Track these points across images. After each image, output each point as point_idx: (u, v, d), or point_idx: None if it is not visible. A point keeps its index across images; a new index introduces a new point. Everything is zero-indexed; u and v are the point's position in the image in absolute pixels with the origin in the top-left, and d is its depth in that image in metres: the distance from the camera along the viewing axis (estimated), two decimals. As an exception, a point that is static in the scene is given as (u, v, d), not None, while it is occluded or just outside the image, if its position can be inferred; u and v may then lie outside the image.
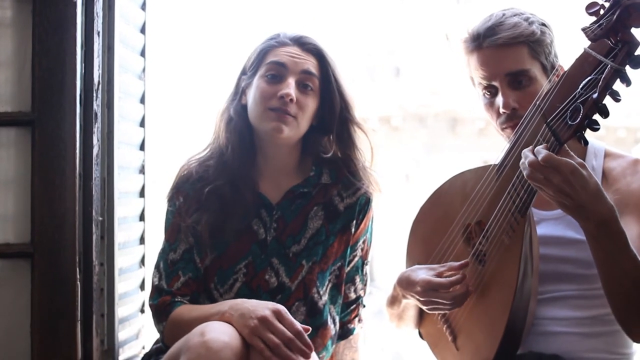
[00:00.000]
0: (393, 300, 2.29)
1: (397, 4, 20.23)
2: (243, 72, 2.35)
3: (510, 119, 2.12)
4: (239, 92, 2.35)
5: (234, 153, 2.31)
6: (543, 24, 2.17)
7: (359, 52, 20.12)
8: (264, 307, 2.06)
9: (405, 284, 2.17)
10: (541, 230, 2.11)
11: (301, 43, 2.31)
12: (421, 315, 2.30)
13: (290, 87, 2.24)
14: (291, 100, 2.23)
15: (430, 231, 2.22)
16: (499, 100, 2.14)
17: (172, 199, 2.35)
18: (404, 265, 2.31)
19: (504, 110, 2.13)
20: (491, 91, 2.17)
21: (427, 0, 19.87)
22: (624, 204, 1.95)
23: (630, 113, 18.00)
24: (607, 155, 2.19)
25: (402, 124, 19.59)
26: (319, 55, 2.32)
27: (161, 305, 2.26)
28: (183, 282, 2.28)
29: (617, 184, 2.10)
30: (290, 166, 2.35)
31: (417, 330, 2.35)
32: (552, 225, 2.16)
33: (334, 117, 2.34)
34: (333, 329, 2.37)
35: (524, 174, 1.87)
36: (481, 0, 18.75)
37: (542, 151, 1.85)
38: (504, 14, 2.16)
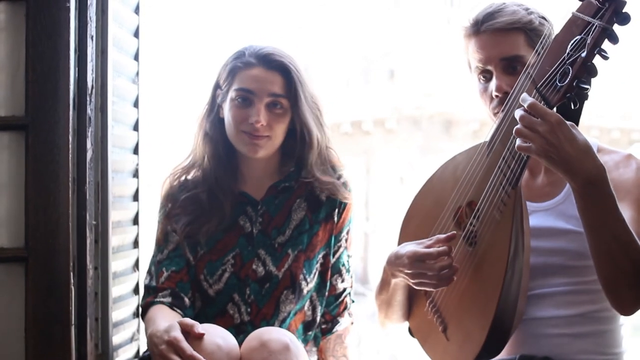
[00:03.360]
0: (382, 285, 2.28)
1: (391, 7, 20.25)
2: (218, 87, 2.42)
3: (502, 103, 2.12)
4: (215, 106, 2.42)
5: (211, 165, 2.42)
6: (542, 17, 2.19)
7: (354, 55, 20.14)
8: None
9: (394, 259, 2.16)
10: (531, 222, 2.10)
11: (266, 62, 2.35)
12: (410, 305, 2.28)
13: (259, 113, 2.31)
14: (262, 125, 2.30)
15: (422, 222, 2.22)
16: (493, 84, 2.16)
17: (163, 206, 2.48)
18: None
19: (496, 94, 2.15)
20: (486, 76, 2.19)
21: (421, 2, 19.89)
22: (616, 191, 1.94)
23: (624, 114, 18.04)
24: (599, 150, 2.20)
25: (396, 126, 19.60)
26: (285, 71, 2.35)
27: (144, 307, 2.39)
28: (166, 277, 2.39)
29: (610, 175, 2.09)
30: (272, 169, 2.45)
31: (407, 328, 2.33)
32: (542, 216, 2.17)
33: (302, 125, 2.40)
34: (310, 315, 2.46)
35: (514, 129, 1.87)
36: (475, 2, 18.79)
37: (527, 99, 1.88)
38: (504, 3, 2.20)
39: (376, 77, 20.07)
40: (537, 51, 2.09)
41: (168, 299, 2.36)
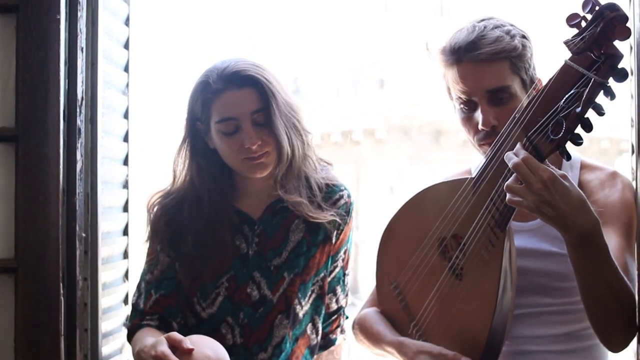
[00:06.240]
0: (379, 346, 2.24)
1: (381, 17, 20.30)
2: (196, 118, 2.30)
3: (489, 136, 2.08)
4: (200, 139, 2.33)
5: (211, 198, 2.33)
6: (523, 37, 2.12)
7: (343, 65, 20.17)
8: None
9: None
10: (516, 242, 2.07)
11: (234, 81, 2.22)
12: (394, 326, 2.26)
13: (250, 136, 2.22)
14: (257, 145, 2.22)
15: (402, 243, 2.18)
16: (478, 116, 2.10)
17: (154, 225, 2.39)
18: (375, 276, 2.28)
19: (483, 128, 2.09)
20: (470, 106, 2.13)
21: (411, 12, 19.95)
22: (602, 214, 1.92)
23: (614, 124, 18.07)
24: (583, 166, 2.18)
25: (386, 136, 19.64)
26: (255, 83, 2.23)
27: (130, 329, 2.33)
28: (154, 301, 2.34)
29: (595, 196, 2.08)
30: (271, 185, 2.34)
31: None
32: (526, 237, 2.15)
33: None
34: (314, 339, 2.41)
35: (505, 185, 1.85)
36: (464, 12, 18.85)
37: (521, 153, 1.83)
38: (485, 27, 2.10)
39: (366, 86, 20.11)
40: (528, 95, 2.05)
41: (155, 323, 2.32)
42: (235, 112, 2.23)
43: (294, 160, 2.30)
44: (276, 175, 2.30)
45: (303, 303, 2.36)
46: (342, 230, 2.40)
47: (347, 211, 2.40)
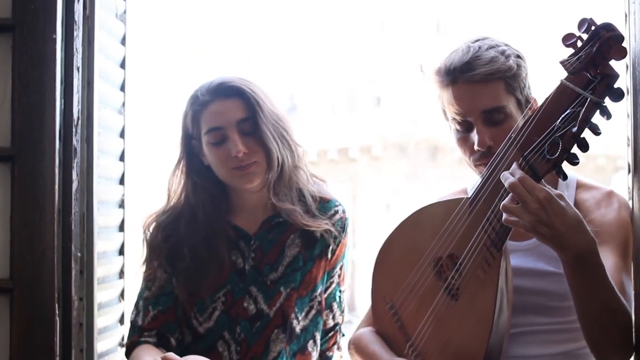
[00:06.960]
0: None
1: (378, 34, 20.35)
2: (190, 137, 2.37)
3: (485, 157, 2.08)
4: (195, 156, 2.38)
5: (206, 213, 2.37)
6: (518, 56, 2.12)
7: (340, 82, 20.21)
8: None
9: None
10: (512, 261, 2.07)
11: (220, 92, 2.31)
12: (388, 345, 2.25)
13: (237, 144, 2.27)
14: (244, 153, 2.26)
15: (398, 263, 2.17)
16: (474, 137, 2.10)
17: (151, 242, 2.43)
18: (370, 296, 2.27)
19: (478, 148, 2.09)
20: (465, 127, 2.13)
21: (407, 29, 19.99)
22: (598, 234, 1.92)
23: (610, 141, 18.11)
24: (579, 186, 2.18)
25: (382, 153, 19.65)
26: (242, 94, 2.30)
27: (129, 346, 2.36)
28: (152, 317, 2.37)
29: (591, 215, 2.09)
30: (265, 201, 2.37)
31: None
32: (522, 256, 2.15)
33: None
34: (315, 355, 2.41)
35: (501, 205, 1.85)
36: (461, 30, 18.91)
37: (517, 172, 1.84)
38: (479, 47, 2.10)
39: (362, 104, 20.14)
40: (523, 115, 2.05)
41: (154, 339, 2.34)
42: (222, 121, 2.29)
43: (284, 169, 2.33)
44: (268, 183, 2.33)
45: (300, 318, 2.37)
46: (338, 245, 2.42)
47: (343, 227, 2.42)
